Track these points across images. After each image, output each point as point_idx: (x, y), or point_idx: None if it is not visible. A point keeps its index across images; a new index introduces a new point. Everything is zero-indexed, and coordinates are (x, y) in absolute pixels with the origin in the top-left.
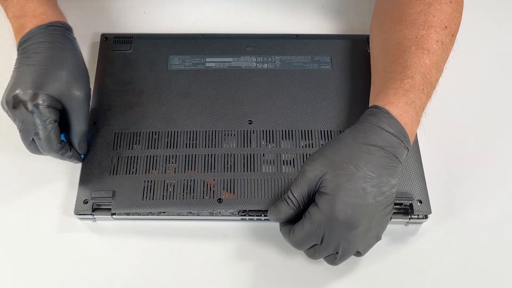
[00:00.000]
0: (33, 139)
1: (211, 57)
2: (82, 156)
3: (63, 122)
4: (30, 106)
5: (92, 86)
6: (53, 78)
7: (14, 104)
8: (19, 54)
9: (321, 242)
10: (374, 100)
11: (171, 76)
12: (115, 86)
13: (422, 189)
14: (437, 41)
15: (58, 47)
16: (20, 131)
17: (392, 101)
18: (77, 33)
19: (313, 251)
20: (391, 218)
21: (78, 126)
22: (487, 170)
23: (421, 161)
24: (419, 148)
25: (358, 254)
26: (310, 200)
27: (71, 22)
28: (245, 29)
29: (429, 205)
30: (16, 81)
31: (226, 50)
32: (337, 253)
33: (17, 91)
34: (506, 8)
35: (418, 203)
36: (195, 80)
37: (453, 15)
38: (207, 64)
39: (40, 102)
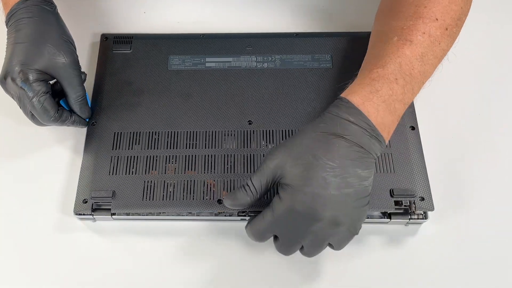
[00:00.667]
0: (31, 113)
1: (211, 57)
2: (87, 120)
3: (60, 92)
4: (19, 82)
5: (92, 86)
6: (37, 53)
7: (6, 83)
8: (7, 33)
9: (284, 234)
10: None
11: (171, 76)
12: (115, 86)
13: (425, 186)
14: (423, 33)
15: (38, 20)
16: (20, 107)
17: (355, 90)
18: (77, 33)
19: (279, 245)
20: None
21: (72, 92)
22: (490, 168)
23: (424, 158)
24: (421, 145)
25: (332, 247)
26: (268, 190)
27: (71, 22)
28: (244, 29)
29: (432, 202)
30: (5, 61)
31: (226, 50)
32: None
33: (6, 71)
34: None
35: (420, 200)
36: (195, 80)
37: (449, 7)
38: (207, 64)
39: (28, 77)
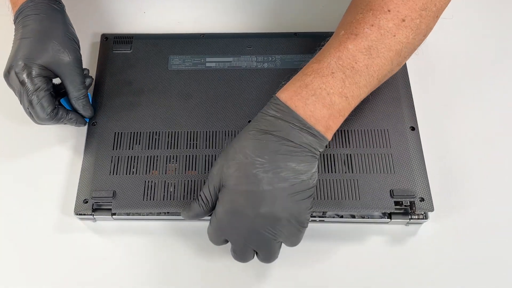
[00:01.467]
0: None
1: (211, 57)
2: (88, 120)
3: (63, 93)
4: (21, 76)
5: (92, 86)
6: (41, 48)
7: (9, 77)
8: (14, 30)
9: (231, 237)
10: None
11: (171, 76)
12: (115, 86)
13: (425, 186)
14: (372, 25)
15: (45, 17)
16: (20, 103)
17: (286, 88)
18: (77, 33)
19: (232, 252)
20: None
21: (74, 90)
22: (489, 168)
23: (424, 159)
24: (421, 145)
25: (286, 244)
26: (217, 196)
27: (71, 22)
28: (245, 29)
29: (432, 203)
30: (10, 55)
31: (226, 50)
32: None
33: (10, 64)
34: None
35: (420, 201)
36: (195, 80)
37: None
38: (207, 64)
39: (31, 72)
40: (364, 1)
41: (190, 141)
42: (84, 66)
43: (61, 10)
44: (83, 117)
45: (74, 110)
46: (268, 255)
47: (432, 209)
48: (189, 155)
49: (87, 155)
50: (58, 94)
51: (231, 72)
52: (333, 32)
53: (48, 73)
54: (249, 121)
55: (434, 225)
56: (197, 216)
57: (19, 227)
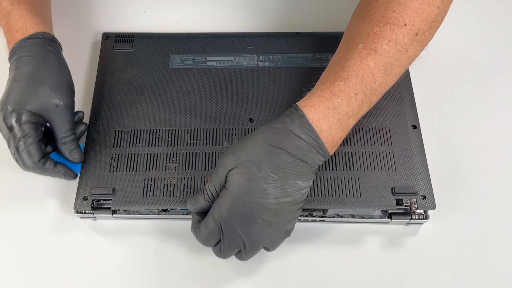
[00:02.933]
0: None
1: (212, 55)
2: (79, 172)
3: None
4: (9, 122)
5: (93, 84)
6: (31, 93)
7: None
8: (9, 69)
9: (225, 238)
10: (302, 98)
11: (172, 74)
12: (116, 84)
13: (427, 184)
14: (390, 41)
15: (38, 60)
16: (9, 148)
17: (313, 103)
18: (78, 32)
19: (218, 249)
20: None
21: (60, 133)
22: (491, 167)
23: (426, 157)
24: (423, 143)
25: (267, 249)
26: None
27: (72, 21)
28: (246, 28)
29: (434, 200)
30: (1, 98)
31: (227, 49)
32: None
33: (0, 108)
34: None
35: (422, 199)
36: (196, 79)
37: (421, 9)
38: (208, 63)
39: (19, 117)
40: (379, 12)
41: (190, 139)
42: (85, 65)
43: (55, 51)
44: (71, 170)
45: (64, 158)
46: (250, 256)
47: (434, 207)
48: (189, 153)
49: (87, 152)
50: (49, 141)
51: (232, 71)
52: (334, 32)
53: (37, 119)
54: (251, 119)
55: (434, 225)
56: (202, 209)
57: (19, 225)
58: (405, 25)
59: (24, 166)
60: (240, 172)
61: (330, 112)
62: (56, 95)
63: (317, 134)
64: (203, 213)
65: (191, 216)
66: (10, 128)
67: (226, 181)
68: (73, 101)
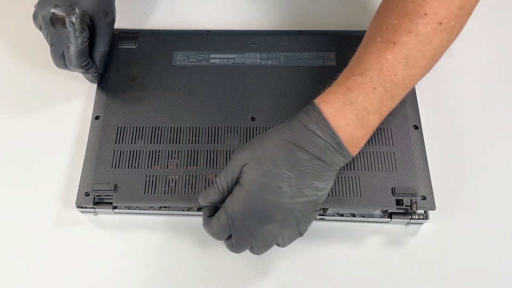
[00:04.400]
0: (62, 54)
1: (215, 53)
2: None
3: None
4: (67, 21)
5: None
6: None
7: (50, 19)
8: None
9: (236, 233)
10: (319, 95)
11: (175, 71)
12: (119, 81)
13: (427, 185)
14: (409, 32)
15: None
16: (51, 45)
17: (329, 99)
18: None
19: (230, 243)
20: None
21: (101, 46)
22: (492, 168)
23: (426, 158)
24: (424, 144)
25: (277, 244)
26: (232, 188)
27: None
28: (249, 26)
29: (434, 201)
30: None
31: (231, 47)
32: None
33: (55, 7)
34: None
35: (422, 199)
36: (199, 76)
37: None
38: (211, 60)
39: (76, 18)
40: (399, 5)
41: (192, 136)
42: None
43: None
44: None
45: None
46: (262, 251)
47: (433, 208)
48: (191, 151)
49: (89, 148)
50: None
51: (235, 68)
52: (337, 31)
53: (88, 22)
54: (253, 118)
55: (435, 226)
56: (213, 203)
57: (20, 220)
58: (425, 14)
59: (71, 65)
60: (254, 168)
61: (346, 108)
62: (108, 4)
63: (333, 130)
64: (214, 208)
65: (193, 212)
66: (68, 27)
67: (240, 176)
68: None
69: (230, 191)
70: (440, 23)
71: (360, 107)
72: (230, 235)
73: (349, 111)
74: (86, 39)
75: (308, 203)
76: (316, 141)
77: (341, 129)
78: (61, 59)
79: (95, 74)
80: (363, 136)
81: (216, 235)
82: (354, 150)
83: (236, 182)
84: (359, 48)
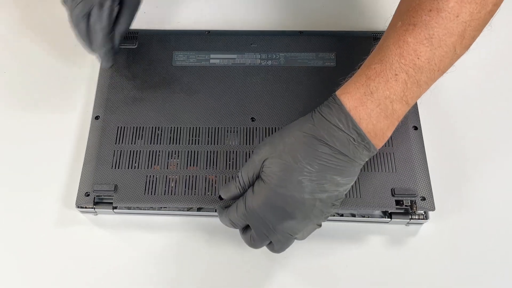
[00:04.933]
0: (87, 24)
1: (215, 53)
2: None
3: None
4: None
5: (96, 80)
6: None
7: None
8: None
9: (255, 226)
10: (340, 87)
11: (176, 72)
12: (119, 81)
13: (426, 186)
14: (430, 10)
15: None
16: (76, 5)
17: (349, 90)
18: None
19: (247, 237)
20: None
21: (125, 23)
22: (492, 168)
23: (426, 158)
24: (424, 145)
25: (296, 238)
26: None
27: None
28: (249, 26)
29: (433, 202)
30: None
31: (231, 47)
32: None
33: None
34: None
35: (422, 200)
36: (199, 76)
37: None
38: (211, 61)
39: None
40: None
41: (192, 136)
42: (88, 61)
43: None
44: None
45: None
46: (283, 248)
47: (433, 208)
48: (191, 151)
49: (89, 149)
50: None
51: (235, 69)
52: (337, 31)
53: None
54: (253, 118)
55: (435, 226)
56: (234, 197)
57: (20, 219)
58: None
59: (95, 32)
60: (275, 162)
61: (367, 98)
62: None
63: (355, 122)
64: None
65: (193, 212)
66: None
67: (261, 170)
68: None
69: (251, 186)
70: None
71: (381, 96)
72: (246, 227)
73: (370, 101)
74: (116, 7)
75: (328, 199)
76: (337, 134)
77: (363, 121)
78: (87, 35)
79: (110, 55)
80: (388, 127)
81: (232, 224)
82: (378, 143)
83: (257, 176)
84: (382, 37)
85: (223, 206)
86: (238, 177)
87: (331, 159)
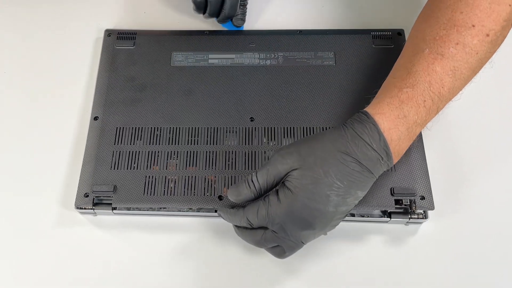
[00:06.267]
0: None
1: (214, 53)
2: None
3: None
4: None
5: (95, 81)
6: None
7: None
8: None
9: (271, 232)
10: (370, 104)
11: (174, 72)
12: (118, 81)
13: (426, 185)
14: (457, 44)
15: None
16: None
17: (384, 111)
18: (81, 29)
19: (259, 237)
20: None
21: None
22: (491, 168)
23: (425, 158)
24: (423, 144)
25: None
26: (272, 189)
27: (74, 17)
28: (248, 26)
29: (432, 201)
30: None
31: (229, 47)
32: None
33: None
34: None
35: (421, 199)
36: (197, 77)
37: (491, 8)
38: (210, 61)
39: None
40: (446, 15)
41: (191, 137)
42: (87, 62)
43: None
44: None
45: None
46: (290, 255)
47: (432, 208)
48: (190, 152)
49: (88, 149)
50: None
51: (233, 69)
52: (336, 30)
53: None
54: (252, 118)
55: (434, 225)
56: (244, 201)
57: (19, 220)
58: (473, 26)
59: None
60: (305, 174)
61: (400, 121)
62: None
63: (388, 144)
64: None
65: (193, 212)
66: None
67: (286, 180)
68: None
69: (268, 191)
70: (488, 35)
71: (411, 120)
72: (260, 228)
73: (401, 124)
74: None
75: (346, 211)
76: (370, 153)
77: (393, 143)
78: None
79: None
80: (406, 147)
81: (249, 223)
82: (395, 160)
83: (278, 183)
84: (404, 55)
85: (229, 206)
86: (252, 181)
87: (358, 177)
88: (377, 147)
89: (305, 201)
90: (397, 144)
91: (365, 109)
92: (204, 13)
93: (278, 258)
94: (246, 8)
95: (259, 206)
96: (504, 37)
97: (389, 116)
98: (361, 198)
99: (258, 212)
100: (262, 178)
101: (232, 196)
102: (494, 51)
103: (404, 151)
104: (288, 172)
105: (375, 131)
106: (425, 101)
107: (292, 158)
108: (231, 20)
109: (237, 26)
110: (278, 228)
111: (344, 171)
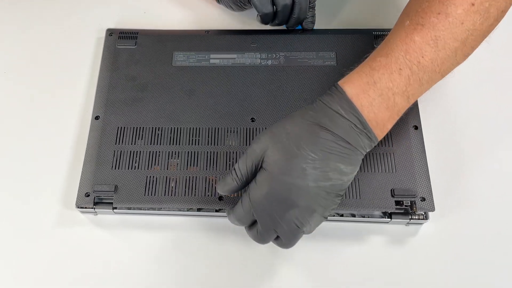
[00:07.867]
0: None
1: (215, 53)
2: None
3: None
4: None
5: (96, 81)
6: None
7: None
8: None
9: (261, 218)
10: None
11: (175, 72)
12: (119, 81)
13: (426, 186)
14: (439, 13)
15: None
16: None
17: (352, 80)
18: (82, 28)
19: (254, 232)
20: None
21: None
22: (492, 169)
23: (426, 158)
24: (424, 145)
25: (303, 232)
26: (254, 174)
27: (76, 17)
28: (249, 25)
29: (433, 203)
30: None
31: (231, 47)
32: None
33: None
34: None
35: (421, 200)
36: (199, 77)
37: None
38: (211, 61)
39: None
40: None
41: (193, 137)
42: (88, 61)
43: None
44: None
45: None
46: (291, 243)
47: (433, 209)
48: (191, 152)
49: (89, 149)
50: None
51: (234, 69)
52: (337, 30)
53: None
54: (253, 119)
55: (434, 226)
56: (231, 191)
57: (20, 220)
58: None
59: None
60: (278, 150)
61: (370, 87)
62: None
63: (357, 109)
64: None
65: (193, 212)
66: None
67: (262, 160)
68: None
69: (250, 177)
70: (473, 4)
71: (383, 86)
72: (253, 222)
73: (372, 90)
74: None
75: (332, 187)
76: (339, 120)
77: (365, 108)
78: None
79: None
80: (389, 119)
81: (240, 221)
82: (379, 134)
83: (257, 167)
84: (388, 34)
85: (232, 206)
86: (235, 169)
87: (334, 146)
88: (346, 113)
89: (281, 177)
90: (370, 110)
91: (336, 82)
92: (272, 21)
93: (282, 248)
94: (315, 10)
95: (242, 197)
96: (498, 8)
97: (357, 82)
98: (349, 174)
99: (243, 204)
100: (243, 164)
101: (219, 188)
102: (487, 23)
103: (388, 124)
104: (264, 152)
105: (341, 98)
106: (400, 69)
107: (265, 138)
108: (301, 24)
109: (308, 29)
110: (266, 215)
111: (316, 141)
